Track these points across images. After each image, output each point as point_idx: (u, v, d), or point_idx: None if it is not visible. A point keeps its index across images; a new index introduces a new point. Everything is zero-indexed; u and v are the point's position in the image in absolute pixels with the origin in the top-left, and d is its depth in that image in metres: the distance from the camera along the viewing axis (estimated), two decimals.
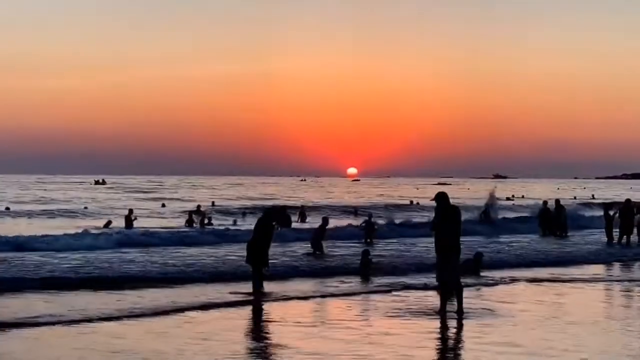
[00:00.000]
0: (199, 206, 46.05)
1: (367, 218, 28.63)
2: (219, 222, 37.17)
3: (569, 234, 30.38)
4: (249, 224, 36.52)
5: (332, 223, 31.43)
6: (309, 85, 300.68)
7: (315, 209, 48.28)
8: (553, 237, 29.76)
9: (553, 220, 31.07)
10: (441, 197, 12.71)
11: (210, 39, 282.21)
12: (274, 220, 15.91)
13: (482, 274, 17.96)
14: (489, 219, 34.69)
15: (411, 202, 55.61)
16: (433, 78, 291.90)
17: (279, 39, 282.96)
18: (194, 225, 34.04)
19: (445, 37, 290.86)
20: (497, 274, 18.03)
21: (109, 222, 34.13)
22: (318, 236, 22.85)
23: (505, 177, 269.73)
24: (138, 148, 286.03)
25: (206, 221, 35.83)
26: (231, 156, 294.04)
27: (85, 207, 47.77)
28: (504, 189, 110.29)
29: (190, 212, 35.93)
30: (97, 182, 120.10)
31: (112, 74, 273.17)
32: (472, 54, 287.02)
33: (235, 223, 37.54)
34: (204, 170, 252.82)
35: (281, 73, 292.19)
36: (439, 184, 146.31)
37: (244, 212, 48.22)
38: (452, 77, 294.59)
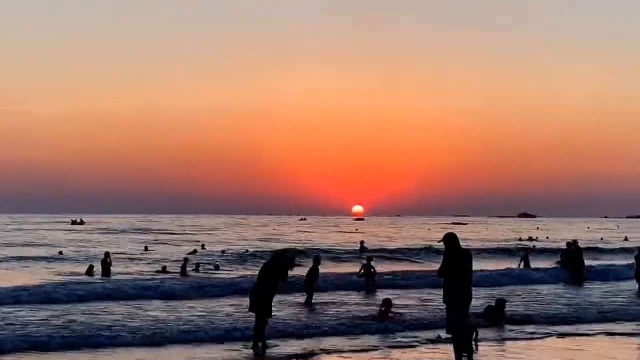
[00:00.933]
0: (195, 251, 45.96)
1: (364, 262, 28.45)
2: (206, 269, 36.97)
3: (590, 279, 30.70)
4: (230, 270, 36.55)
5: (331, 269, 30.81)
6: (312, 119, 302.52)
7: (313, 251, 47.98)
8: (574, 284, 29.83)
9: (572, 263, 31.56)
10: (450, 239, 12.58)
11: (204, 68, 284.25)
12: (281, 265, 15.55)
13: (506, 326, 17.81)
14: (528, 265, 35.20)
15: (430, 246, 54.56)
16: (446, 110, 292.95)
17: (280, 71, 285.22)
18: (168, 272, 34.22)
19: (461, 65, 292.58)
20: (522, 327, 17.81)
21: (92, 268, 33.91)
22: (309, 279, 22.65)
23: (533, 216, 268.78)
24: (124, 184, 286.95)
25: (191, 267, 35.65)
26: (229, 194, 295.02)
27: (60, 252, 47.30)
28: (526, 229, 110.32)
29: (164, 267, 36.23)
30: (74, 222, 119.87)
31: (94, 104, 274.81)
32: (491, 84, 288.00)
33: (217, 269, 37.31)
34: (198, 209, 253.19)
35: (282, 106, 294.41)
36: (453, 223, 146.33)
37: (247, 249, 48.05)
38: (468, 108, 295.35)
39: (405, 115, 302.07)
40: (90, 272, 33.36)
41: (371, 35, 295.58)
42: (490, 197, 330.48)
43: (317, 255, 25.20)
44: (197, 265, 36.98)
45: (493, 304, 18.73)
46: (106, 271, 33.00)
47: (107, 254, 34.80)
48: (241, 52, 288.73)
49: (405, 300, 22.73)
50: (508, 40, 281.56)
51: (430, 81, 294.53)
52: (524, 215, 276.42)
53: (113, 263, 34.65)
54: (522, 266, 35.18)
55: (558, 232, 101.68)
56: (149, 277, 31.89)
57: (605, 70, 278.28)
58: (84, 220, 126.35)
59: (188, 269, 34.54)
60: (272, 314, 15.26)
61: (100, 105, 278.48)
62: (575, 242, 33.61)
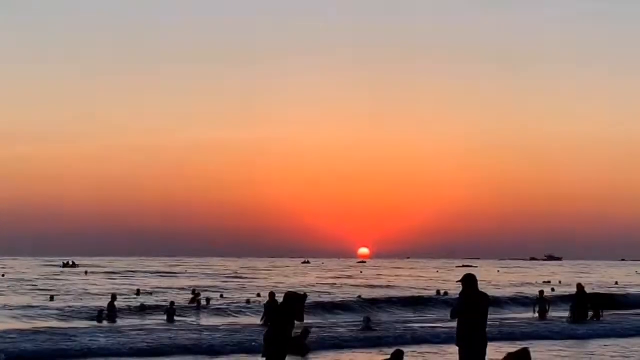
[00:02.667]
0: (193, 290, 46.10)
1: (365, 316, 28.22)
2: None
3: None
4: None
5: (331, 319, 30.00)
6: (316, 156, 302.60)
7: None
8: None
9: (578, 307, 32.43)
10: (469, 280, 12.77)
11: (199, 103, 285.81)
12: (294, 305, 15.35)
13: None
14: (543, 315, 34.87)
15: (438, 292, 53.02)
16: (457, 146, 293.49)
17: (279, 103, 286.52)
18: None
19: (473, 99, 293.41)
20: None
21: (101, 312, 34.10)
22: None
23: (559, 259, 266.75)
24: (116, 225, 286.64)
25: (193, 305, 36.07)
26: (228, 235, 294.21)
27: (51, 298, 47.11)
28: (538, 274, 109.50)
29: (142, 304, 36.73)
30: (65, 265, 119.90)
31: (81, 141, 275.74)
32: (505, 119, 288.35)
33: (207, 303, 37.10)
34: (196, 250, 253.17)
35: (282, 145, 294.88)
36: (463, 265, 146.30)
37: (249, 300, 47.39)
38: (481, 145, 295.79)
39: (411, 151, 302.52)
40: (100, 318, 33.56)
41: (374, 68, 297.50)
42: (500, 238, 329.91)
43: (306, 328, 24.51)
44: (199, 301, 38.83)
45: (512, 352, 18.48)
46: (112, 316, 33.50)
47: (114, 296, 35.54)
48: (235, 89, 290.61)
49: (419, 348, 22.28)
50: (524, 75, 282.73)
51: (437, 117, 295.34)
52: (551, 257, 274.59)
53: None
54: (536, 314, 34.95)
55: (574, 275, 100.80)
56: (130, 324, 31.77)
57: (621, 111, 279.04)
58: (76, 262, 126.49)
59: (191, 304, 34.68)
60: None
61: (84, 144, 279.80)
62: (578, 285, 34.47)
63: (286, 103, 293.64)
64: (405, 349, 21.35)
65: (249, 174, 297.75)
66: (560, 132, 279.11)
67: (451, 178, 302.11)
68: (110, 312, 33.74)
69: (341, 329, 28.24)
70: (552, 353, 22.84)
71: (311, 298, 46.25)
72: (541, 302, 35.97)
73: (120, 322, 32.89)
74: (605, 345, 25.41)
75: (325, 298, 49.15)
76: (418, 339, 26.09)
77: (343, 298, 49.55)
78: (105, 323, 32.62)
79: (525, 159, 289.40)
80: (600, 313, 33.85)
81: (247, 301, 43.65)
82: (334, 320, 33.79)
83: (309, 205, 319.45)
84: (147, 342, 23.66)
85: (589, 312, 33.35)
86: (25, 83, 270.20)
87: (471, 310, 12.55)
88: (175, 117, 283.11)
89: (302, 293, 18.13)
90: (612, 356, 22.87)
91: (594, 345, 25.80)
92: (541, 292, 38.23)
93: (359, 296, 50.60)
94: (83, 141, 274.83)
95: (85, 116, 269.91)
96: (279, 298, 19.39)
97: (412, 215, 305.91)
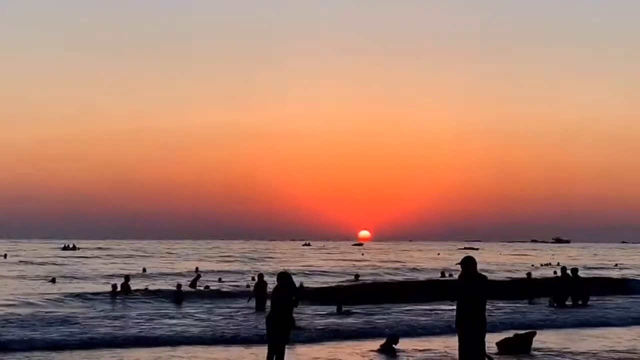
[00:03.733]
0: (197, 269, 46.35)
1: (337, 304, 28.12)
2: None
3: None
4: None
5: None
6: (317, 140, 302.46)
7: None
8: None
9: (567, 289, 32.06)
10: (468, 263, 12.86)
11: (200, 86, 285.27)
12: (290, 286, 15.20)
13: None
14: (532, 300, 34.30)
15: (442, 273, 53.24)
16: (460, 130, 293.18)
17: (283, 91, 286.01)
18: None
19: (474, 84, 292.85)
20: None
21: (115, 287, 34.79)
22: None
23: (567, 241, 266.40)
24: (119, 209, 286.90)
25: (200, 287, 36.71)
26: (230, 218, 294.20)
27: (53, 280, 47.33)
28: (538, 256, 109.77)
29: (146, 288, 37.34)
30: (66, 248, 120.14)
31: (80, 125, 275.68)
32: (507, 102, 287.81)
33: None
34: (195, 233, 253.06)
35: (284, 127, 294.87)
36: (465, 248, 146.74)
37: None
38: (483, 128, 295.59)
39: (413, 135, 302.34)
40: (114, 293, 34.43)
41: (375, 53, 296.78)
42: (504, 221, 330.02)
43: None
44: (207, 287, 39.73)
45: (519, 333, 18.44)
46: (126, 294, 34.57)
47: (127, 277, 36.59)
48: (235, 73, 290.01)
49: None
50: (524, 60, 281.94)
51: (439, 101, 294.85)
52: (559, 240, 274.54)
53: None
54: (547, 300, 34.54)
55: (575, 258, 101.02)
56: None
57: (624, 95, 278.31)
58: (77, 245, 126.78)
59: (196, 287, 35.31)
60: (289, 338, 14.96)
61: (84, 127, 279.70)
62: (564, 268, 33.70)
63: (286, 87, 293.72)
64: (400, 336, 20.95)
65: (250, 157, 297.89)
66: (564, 116, 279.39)
67: (454, 161, 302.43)
68: (126, 292, 34.59)
69: (323, 316, 27.48)
70: (555, 338, 22.91)
71: (308, 283, 46.81)
72: (532, 287, 35.34)
73: (128, 304, 33.32)
74: (608, 333, 25.31)
75: (321, 280, 49.20)
76: (411, 324, 25.50)
77: (335, 281, 49.57)
78: (118, 301, 33.45)
79: (528, 141, 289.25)
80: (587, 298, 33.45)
81: (247, 286, 43.79)
82: (317, 307, 32.74)
83: (311, 189, 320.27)
84: (153, 331, 23.14)
85: (579, 297, 32.31)
86: (24, 67, 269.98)
87: (470, 293, 12.67)
88: (176, 101, 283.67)
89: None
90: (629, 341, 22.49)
91: (596, 333, 25.32)
92: (529, 274, 37.77)
93: (356, 275, 50.87)
94: (84, 125, 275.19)
95: (84, 99, 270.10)
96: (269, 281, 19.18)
97: (414, 199, 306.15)
